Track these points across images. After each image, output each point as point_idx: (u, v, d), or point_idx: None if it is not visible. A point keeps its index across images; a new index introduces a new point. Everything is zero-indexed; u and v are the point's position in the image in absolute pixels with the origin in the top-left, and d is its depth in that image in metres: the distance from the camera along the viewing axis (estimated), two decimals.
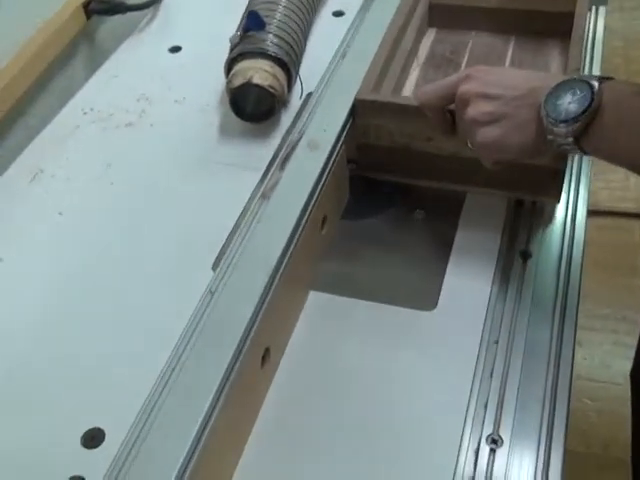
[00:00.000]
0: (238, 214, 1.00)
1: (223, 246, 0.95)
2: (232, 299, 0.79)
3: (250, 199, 1.04)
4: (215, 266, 0.95)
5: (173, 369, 0.74)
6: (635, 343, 1.29)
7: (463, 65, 1.31)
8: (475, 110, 0.97)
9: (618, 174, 2.66)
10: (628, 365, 1.34)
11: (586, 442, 2.00)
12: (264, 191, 0.92)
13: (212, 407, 0.72)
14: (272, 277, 0.82)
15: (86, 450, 0.77)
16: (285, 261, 0.86)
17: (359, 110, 1.12)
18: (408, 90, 1.28)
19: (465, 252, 1.04)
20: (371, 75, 1.15)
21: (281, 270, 0.85)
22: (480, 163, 0.99)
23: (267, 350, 0.84)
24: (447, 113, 1.03)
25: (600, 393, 2.10)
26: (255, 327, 0.79)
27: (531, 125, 0.90)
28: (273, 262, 0.82)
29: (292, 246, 0.87)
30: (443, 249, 1.05)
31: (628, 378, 1.34)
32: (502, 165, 0.96)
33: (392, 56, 1.22)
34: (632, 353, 1.30)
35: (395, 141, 1.12)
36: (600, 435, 2.00)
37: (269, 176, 0.96)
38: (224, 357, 0.75)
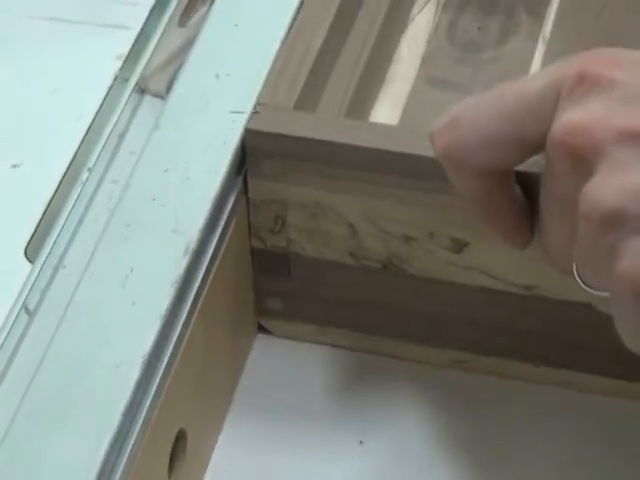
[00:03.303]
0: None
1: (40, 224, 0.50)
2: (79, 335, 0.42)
3: None
4: (32, 253, 0.49)
5: None
6: None
7: (540, 48, 0.59)
8: (619, 183, 0.35)
9: None
10: None
11: None
12: None
13: None
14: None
15: None
16: None
17: (253, 161, 0.46)
18: (390, 108, 0.57)
19: None
20: (288, 65, 0.50)
21: None
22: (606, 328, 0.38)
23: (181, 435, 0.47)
24: (517, 186, 0.42)
25: None
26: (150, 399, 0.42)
27: None
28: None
29: None
30: None
31: None
32: None
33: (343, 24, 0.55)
34: None
35: (364, 253, 0.48)
36: None
37: None
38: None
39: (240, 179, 0.45)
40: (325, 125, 0.44)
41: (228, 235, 0.45)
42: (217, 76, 0.50)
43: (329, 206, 0.45)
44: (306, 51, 0.50)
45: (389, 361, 0.51)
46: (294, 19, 0.51)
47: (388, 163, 0.43)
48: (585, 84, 0.37)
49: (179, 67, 0.51)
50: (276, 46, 0.50)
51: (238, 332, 0.50)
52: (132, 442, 0.41)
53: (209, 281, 0.45)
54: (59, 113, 0.53)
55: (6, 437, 0.39)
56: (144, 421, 0.41)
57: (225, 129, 0.47)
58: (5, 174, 0.51)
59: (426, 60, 0.60)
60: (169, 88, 0.50)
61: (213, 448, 0.50)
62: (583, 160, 0.36)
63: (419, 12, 0.62)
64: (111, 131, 0.50)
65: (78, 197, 0.48)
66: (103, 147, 0.50)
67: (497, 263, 0.45)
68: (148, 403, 0.42)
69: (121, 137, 0.50)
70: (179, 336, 0.43)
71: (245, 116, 0.47)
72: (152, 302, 0.42)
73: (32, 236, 0.48)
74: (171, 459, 0.46)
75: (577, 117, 0.36)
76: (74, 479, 0.38)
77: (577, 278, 0.38)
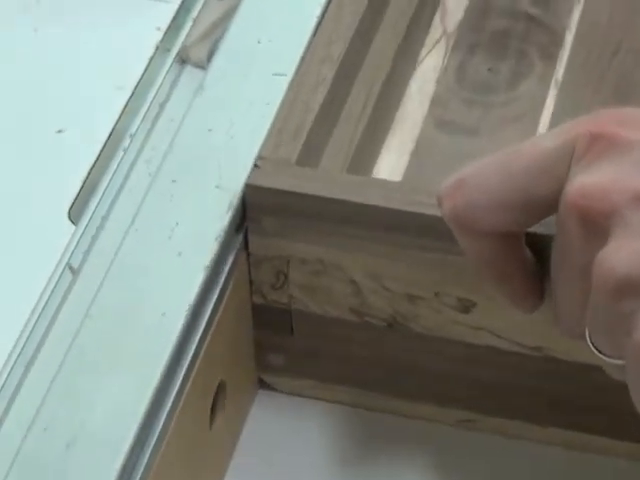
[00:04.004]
0: None
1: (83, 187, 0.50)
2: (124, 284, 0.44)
3: None
4: (75, 215, 0.50)
5: None
6: None
7: (553, 92, 0.59)
8: (636, 250, 0.33)
9: None
10: None
11: None
12: None
13: None
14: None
15: None
16: None
17: (253, 217, 0.45)
18: (398, 153, 0.57)
19: None
20: (292, 114, 0.48)
21: None
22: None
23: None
24: (527, 249, 0.40)
25: None
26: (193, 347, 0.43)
27: None
28: None
29: None
30: None
31: None
32: None
33: (347, 76, 0.52)
34: None
35: (368, 311, 0.46)
36: None
37: None
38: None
39: (240, 236, 0.44)
40: (328, 182, 0.43)
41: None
42: (259, 41, 0.52)
43: (332, 263, 0.44)
44: (311, 98, 0.48)
45: (394, 419, 0.49)
46: None
47: (392, 221, 0.42)
48: (599, 145, 0.35)
49: (220, 37, 0.52)
50: (317, 11, 0.52)
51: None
52: (176, 389, 0.41)
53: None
54: (102, 82, 0.54)
55: (55, 380, 0.40)
56: (187, 369, 0.42)
57: (268, 90, 0.49)
58: (50, 139, 0.52)
59: (435, 102, 0.59)
60: (210, 58, 0.51)
61: (251, 403, 0.50)
62: (598, 224, 0.34)
63: (427, 54, 0.61)
64: (152, 100, 0.52)
65: (120, 161, 0.49)
66: (145, 115, 0.51)
67: (505, 324, 0.44)
68: (192, 352, 0.42)
69: (162, 106, 0.51)
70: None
71: (287, 79, 0.48)
72: (197, 254, 0.43)
73: (75, 198, 0.49)
74: (212, 410, 0.46)
75: (592, 180, 0.35)
76: (122, 420, 0.39)
77: (590, 344, 0.37)
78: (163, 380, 0.40)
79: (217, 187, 0.45)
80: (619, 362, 0.35)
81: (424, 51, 0.61)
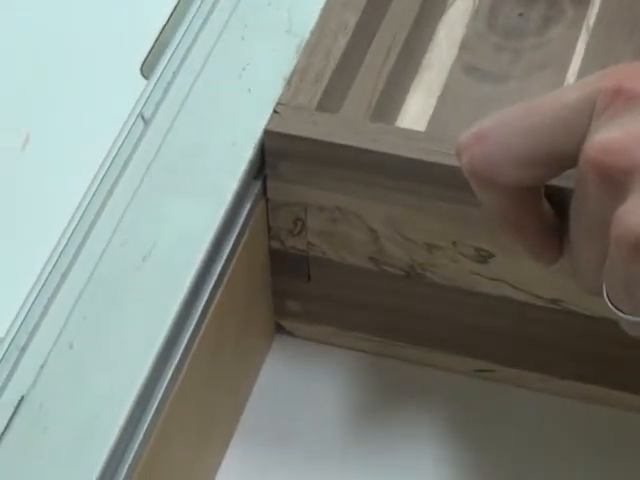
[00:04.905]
0: None
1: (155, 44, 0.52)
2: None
3: None
4: (147, 69, 0.51)
5: None
6: None
7: (584, 37, 0.57)
8: None
9: None
10: None
11: None
12: None
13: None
14: None
15: None
16: None
17: (272, 163, 0.44)
18: (424, 98, 0.56)
19: None
20: (311, 66, 0.47)
21: None
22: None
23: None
24: (547, 202, 0.39)
25: None
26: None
27: None
28: None
29: None
30: None
31: None
32: None
33: (371, 21, 0.51)
34: None
35: (385, 259, 0.45)
36: None
37: None
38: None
39: (259, 182, 0.44)
40: (347, 128, 0.42)
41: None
42: None
43: (350, 211, 0.43)
44: (333, 44, 0.47)
45: (411, 367, 0.48)
46: None
47: (412, 171, 0.41)
48: (621, 100, 0.35)
49: None
50: None
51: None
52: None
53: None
54: None
55: (133, 199, 0.43)
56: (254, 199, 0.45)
57: None
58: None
59: (464, 47, 0.58)
60: None
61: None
62: (617, 180, 0.34)
63: None
64: None
65: (190, 22, 0.51)
66: None
67: (523, 275, 0.43)
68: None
69: None
70: None
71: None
72: (266, 91, 0.46)
73: (148, 54, 0.51)
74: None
75: (612, 135, 0.34)
76: (194, 239, 0.42)
77: (607, 301, 0.36)
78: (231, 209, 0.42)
79: (286, 32, 0.48)
80: (637, 319, 0.35)
81: None
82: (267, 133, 0.43)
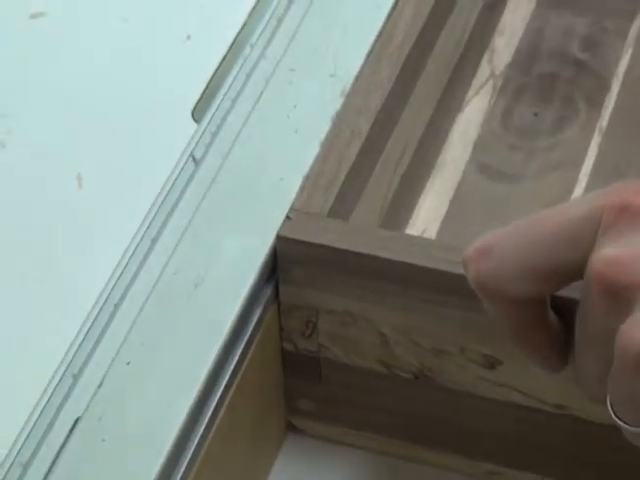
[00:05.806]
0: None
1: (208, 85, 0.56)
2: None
3: None
4: (198, 113, 0.54)
5: None
6: None
7: (597, 139, 0.59)
8: None
9: None
10: None
11: None
12: None
13: None
14: None
15: None
16: None
17: (284, 267, 0.45)
18: (438, 198, 0.58)
19: None
20: (323, 172, 0.48)
21: None
22: None
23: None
24: (552, 312, 0.40)
25: None
26: None
27: None
28: None
29: None
30: None
31: None
32: None
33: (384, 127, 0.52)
34: None
35: (395, 362, 0.46)
36: None
37: None
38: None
39: (271, 286, 0.45)
40: (357, 236, 0.43)
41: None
42: None
43: (360, 315, 0.44)
44: (351, 138, 0.48)
45: (420, 468, 0.48)
46: None
47: (421, 278, 0.42)
48: (626, 217, 0.35)
49: None
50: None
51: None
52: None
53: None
54: None
55: (188, 229, 0.46)
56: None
57: None
58: (179, 45, 0.57)
59: (478, 146, 0.59)
60: None
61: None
62: (622, 296, 0.34)
63: (474, 96, 0.60)
64: (272, 14, 0.56)
65: (241, 68, 0.54)
66: (264, 27, 0.56)
67: (529, 381, 0.43)
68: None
69: (279, 20, 0.56)
70: None
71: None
72: (312, 131, 0.50)
73: (199, 99, 0.54)
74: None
75: (618, 252, 0.35)
76: (247, 266, 0.45)
77: (610, 411, 0.37)
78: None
79: (331, 76, 0.52)
80: (639, 430, 0.35)
81: (470, 93, 0.61)
82: (280, 238, 0.44)
